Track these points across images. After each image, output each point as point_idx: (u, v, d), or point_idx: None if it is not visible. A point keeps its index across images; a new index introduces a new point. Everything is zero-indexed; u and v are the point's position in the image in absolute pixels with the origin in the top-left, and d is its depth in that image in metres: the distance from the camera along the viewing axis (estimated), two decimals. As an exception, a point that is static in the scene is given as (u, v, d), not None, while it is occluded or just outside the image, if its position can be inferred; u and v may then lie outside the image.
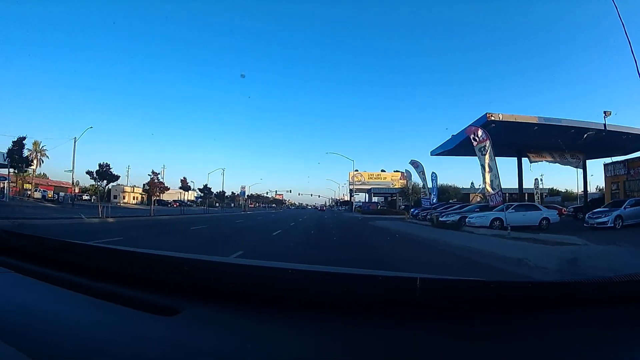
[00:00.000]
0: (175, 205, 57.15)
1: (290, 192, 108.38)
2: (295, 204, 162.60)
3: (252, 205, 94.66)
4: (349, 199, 79.41)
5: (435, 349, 0.67)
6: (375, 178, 67.34)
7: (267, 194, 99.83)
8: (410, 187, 41.91)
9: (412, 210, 28.23)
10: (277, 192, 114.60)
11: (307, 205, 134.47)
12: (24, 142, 28.03)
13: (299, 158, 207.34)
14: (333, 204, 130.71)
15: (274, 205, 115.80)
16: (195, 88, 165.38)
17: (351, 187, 67.14)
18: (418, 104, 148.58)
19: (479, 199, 34.47)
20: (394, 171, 69.06)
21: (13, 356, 0.63)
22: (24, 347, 0.65)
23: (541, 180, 58.90)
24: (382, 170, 68.69)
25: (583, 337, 0.71)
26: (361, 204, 57.24)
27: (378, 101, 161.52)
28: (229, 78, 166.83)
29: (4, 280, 1.07)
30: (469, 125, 15.28)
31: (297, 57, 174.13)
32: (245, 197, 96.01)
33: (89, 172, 23.80)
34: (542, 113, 18.50)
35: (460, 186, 48.14)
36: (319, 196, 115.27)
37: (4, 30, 78.76)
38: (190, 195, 67.00)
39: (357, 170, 67.87)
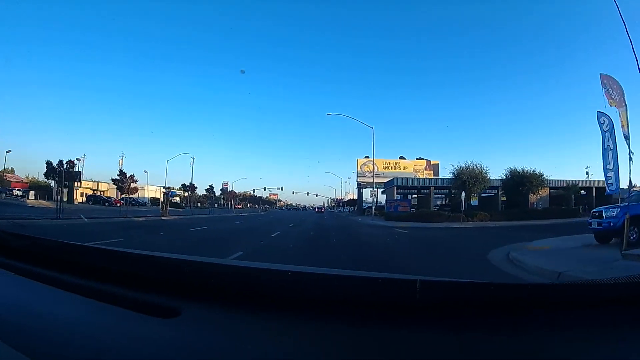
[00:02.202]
0: (118, 204, 43.23)
1: (282, 189, 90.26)
2: (292, 204, 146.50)
3: (239, 206, 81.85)
4: (356, 197, 61.97)
5: (435, 351, 0.67)
6: (392, 167, 49.93)
7: (253, 192, 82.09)
8: (471, 174, 24.58)
9: (603, 212, 8.81)
10: (270, 191, 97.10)
11: (304, 206, 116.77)
12: None
13: (296, 157, 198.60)
14: (333, 204, 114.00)
15: (267, 205, 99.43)
16: (192, 86, 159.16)
17: (360, 179, 49.75)
18: (418, 103, 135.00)
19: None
20: (417, 158, 51.87)
21: (13, 356, 0.63)
22: (24, 348, 0.65)
23: (588, 173, 42.18)
24: (402, 158, 51.40)
25: (584, 339, 0.71)
26: (381, 204, 38.90)
27: (380, 98, 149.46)
28: (227, 75, 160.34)
29: (3, 282, 1.06)
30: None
31: (296, 56, 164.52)
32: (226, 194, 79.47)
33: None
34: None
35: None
36: (316, 195, 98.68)
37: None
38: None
39: (367, 157, 50.47)
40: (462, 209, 21.21)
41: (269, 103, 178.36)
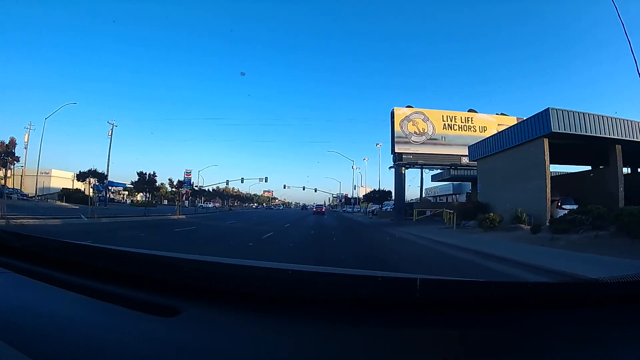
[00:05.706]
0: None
1: (266, 180, 67.25)
2: (289, 202, 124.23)
3: (219, 205, 66.47)
4: (378, 187, 38.40)
5: (435, 349, 0.67)
6: (460, 128, 26.28)
7: (227, 183, 58.75)
8: None
9: None
10: (249, 183, 74.09)
11: (303, 205, 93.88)
12: None
13: (295, 157, 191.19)
14: (336, 202, 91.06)
15: (233, 204, 79.04)
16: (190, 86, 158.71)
17: (401, 148, 25.76)
18: (419, 101, 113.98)
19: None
20: (499, 114, 28.42)
21: (13, 356, 0.62)
22: (24, 348, 0.65)
23: None
24: (471, 111, 28.01)
25: (583, 338, 0.71)
26: (413, 200, 14.65)
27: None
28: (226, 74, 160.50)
29: (4, 281, 1.06)
30: None
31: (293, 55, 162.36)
32: (186, 189, 57.14)
33: None
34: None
35: None
36: (315, 190, 75.87)
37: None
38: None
39: (410, 107, 26.96)
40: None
41: (267, 103, 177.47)
